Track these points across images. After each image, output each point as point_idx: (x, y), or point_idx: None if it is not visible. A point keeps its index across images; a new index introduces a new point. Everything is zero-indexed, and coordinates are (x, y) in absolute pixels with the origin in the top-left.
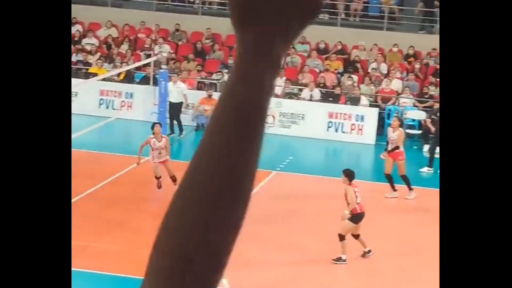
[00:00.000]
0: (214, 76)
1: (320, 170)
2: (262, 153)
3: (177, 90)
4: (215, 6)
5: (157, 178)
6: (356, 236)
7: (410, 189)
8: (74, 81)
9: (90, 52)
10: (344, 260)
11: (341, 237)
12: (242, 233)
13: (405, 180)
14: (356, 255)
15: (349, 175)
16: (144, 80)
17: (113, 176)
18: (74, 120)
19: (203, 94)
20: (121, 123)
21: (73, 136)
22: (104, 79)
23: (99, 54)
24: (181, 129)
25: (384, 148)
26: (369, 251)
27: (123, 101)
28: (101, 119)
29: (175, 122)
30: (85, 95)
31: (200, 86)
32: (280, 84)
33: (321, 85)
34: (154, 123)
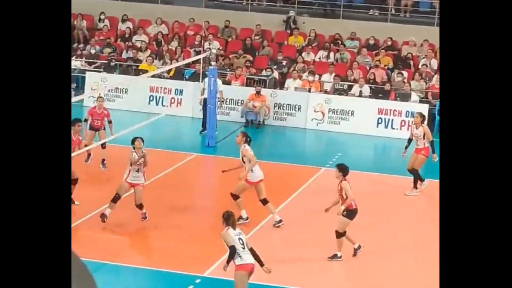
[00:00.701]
0: (264, 73)
1: (370, 166)
2: (312, 149)
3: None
4: (265, 3)
5: (116, 197)
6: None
7: (415, 187)
8: (124, 78)
9: (140, 49)
10: (340, 257)
11: (339, 234)
12: (291, 227)
13: (416, 175)
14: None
15: (343, 170)
16: (194, 77)
17: (161, 173)
18: (124, 116)
19: (252, 90)
20: (171, 120)
21: (123, 132)
22: (154, 76)
23: (149, 51)
24: (204, 126)
25: (405, 146)
26: (359, 247)
27: (172, 97)
28: (151, 115)
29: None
30: (135, 92)
31: (249, 83)
32: (329, 80)
33: (371, 81)
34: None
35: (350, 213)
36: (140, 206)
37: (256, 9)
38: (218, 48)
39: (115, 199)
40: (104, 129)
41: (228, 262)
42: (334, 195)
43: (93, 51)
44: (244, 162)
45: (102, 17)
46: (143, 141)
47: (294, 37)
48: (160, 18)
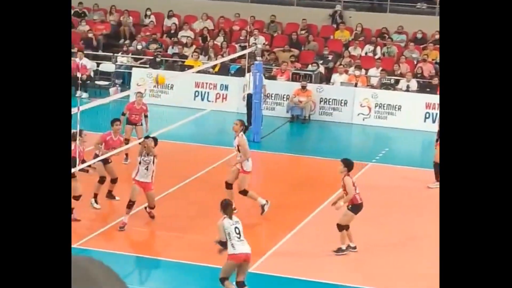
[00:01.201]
0: (309, 67)
1: (417, 161)
2: (358, 144)
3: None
4: None
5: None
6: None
7: (437, 179)
8: (170, 73)
9: (185, 45)
10: (344, 251)
11: (341, 227)
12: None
13: (436, 168)
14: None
15: (348, 164)
16: (239, 72)
17: (206, 168)
18: (169, 112)
19: (297, 85)
20: (216, 115)
21: (168, 128)
22: (199, 71)
23: (194, 46)
24: (249, 121)
25: (435, 139)
26: (354, 247)
27: (218, 93)
28: (196, 111)
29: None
30: (180, 88)
31: (294, 78)
32: (376, 74)
33: (418, 75)
34: (147, 136)
35: (355, 207)
36: (152, 207)
37: (302, 4)
38: (264, 43)
39: (130, 205)
40: (141, 124)
41: (220, 251)
42: (380, 190)
43: (139, 47)
44: (239, 151)
45: (148, 13)
46: (156, 142)
47: (340, 32)
48: (205, 13)
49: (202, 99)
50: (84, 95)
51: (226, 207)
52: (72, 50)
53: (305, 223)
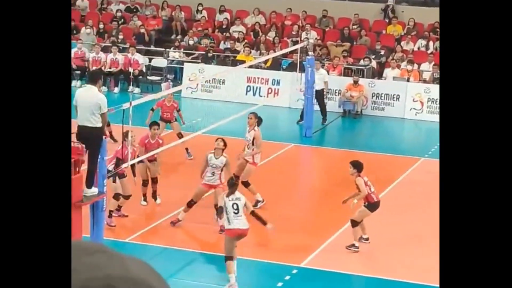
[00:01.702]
0: (361, 62)
1: None
2: (410, 139)
3: (319, 77)
4: None
5: (191, 203)
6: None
7: None
8: (221, 68)
9: (237, 40)
10: (357, 247)
11: (354, 223)
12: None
13: None
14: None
15: (357, 166)
16: (291, 67)
17: (259, 162)
18: (221, 107)
19: (349, 80)
20: (268, 110)
21: (220, 123)
22: (251, 67)
23: (246, 41)
24: (325, 116)
25: None
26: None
27: (270, 88)
28: (248, 106)
29: (317, 108)
30: (232, 83)
31: (346, 72)
32: (428, 69)
33: None
34: (218, 138)
35: (371, 205)
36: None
37: None
38: (316, 38)
39: (190, 204)
40: (176, 120)
41: (217, 217)
42: (432, 185)
43: (191, 42)
44: (253, 144)
45: (200, 8)
46: (225, 144)
47: (392, 26)
48: (257, 8)
49: (254, 94)
50: (136, 90)
51: (232, 186)
52: (124, 46)
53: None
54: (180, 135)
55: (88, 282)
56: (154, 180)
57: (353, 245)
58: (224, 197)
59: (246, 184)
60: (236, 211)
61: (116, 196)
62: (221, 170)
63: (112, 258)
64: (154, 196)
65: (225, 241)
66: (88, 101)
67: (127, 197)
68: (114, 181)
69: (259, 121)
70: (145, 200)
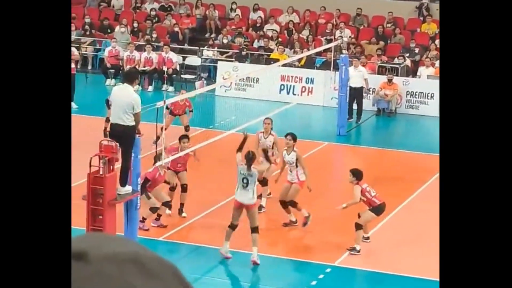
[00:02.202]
0: (396, 60)
1: None
2: None
3: (358, 75)
4: None
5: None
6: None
7: None
8: (255, 67)
9: (271, 38)
10: (358, 251)
11: (358, 226)
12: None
13: None
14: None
15: (357, 174)
16: (325, 65)
17: None
18: (255, 105)
19: (384, 78)
20: (302, 108)
21: (253, 122)
22: (285, 65)
23: (280, 39)
24: (359, 115)
25: None
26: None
27: (303, 86)
28: (282, 104)
29: (354, 106)
30: (266, 81)
31: (381, 71)
32: None
33: None
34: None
35: (375, 209)
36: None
37: None
38: (350, 36)
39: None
40: (185, 113)
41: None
42: None
43: (225, 41)
44: (272, 149)
45: (234, 6)
46: (266, 155)
47: (427, 24)
48: (291, 7)
49: (288, 93)
50: (170, 88)
51: (248, 160)
52: (158, 44)
53: (390, 217)
54: (187, 128)
55: (114, 255)
56: (184, 188)
57: (353, 248)
58: (240, 168)
59: (264, 182)
60: (245, 184)
61: (154, 210)
62: (296, 166)
63: (137, 244)
64: (181, 209)
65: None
66: (122, 100)
67: (166, 204)
68: (149, 198)
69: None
70: (169, 208)
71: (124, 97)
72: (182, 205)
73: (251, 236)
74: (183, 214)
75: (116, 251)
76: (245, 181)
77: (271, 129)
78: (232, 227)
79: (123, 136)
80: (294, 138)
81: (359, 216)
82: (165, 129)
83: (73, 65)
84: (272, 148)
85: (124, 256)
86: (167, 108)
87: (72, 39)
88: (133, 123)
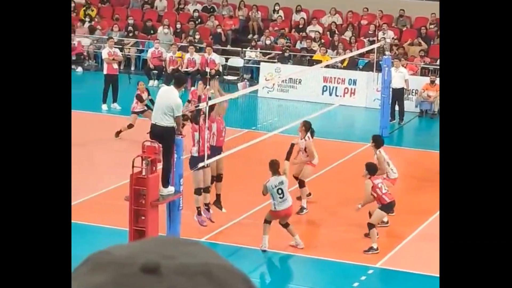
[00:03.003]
0: (439, 62)
1: None
2: None
3: (399, 75)
4: None
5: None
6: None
7: None
8: (298, 68)
9: (314, 39)
10: (376, 249)
11: (370, 226)
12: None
13: None
14: None
15: (370, 168)
16: (368, 67)
17: (334, 163)
18: (298, 106)
19: (426, 80)
20: (344, 110)
21: (296, 123)
22: (327, 66)
23: (322, 41)
24: (402, 116)
25: None
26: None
27: (346, 87)
28: (324, 105)
29: (396, 108)
30: (309, 82)
31: (423, 72)
32: None
33: None
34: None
35: (385, 207)
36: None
37: None
38: (392, 38)
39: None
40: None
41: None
42: None
43: (267, 42)
44: (305, 152)
45: (277, 8)
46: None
47: None
48: (334, 8)
49: (330, 94)
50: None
51: (272, 166)
52: (201, 46)
53: (433, 219)
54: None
55: (185, 267)
56: (219, 177)
57: (371, 248)
58: (268, 185)
59: (302, 184)
60: (281, 195)
61: (198, 192)
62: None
63: (205, 249)
64: (218, 201)
65: (268, 214)
66: (164, 102)
67: (207, 190)
68: (204, 167)
69: (310, 129)
70: (208, 209)
71: (167, 99)
72: (218, 196)
73: (287, 230)
74: (223, 210)
75: (187, 262)
76: (279, 191)
77: (305, 131)
78: (269, 222)
79: (163, 137)
80: (307, 124)
81: (370, 215)
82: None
83: (115, 66)
84: (305, 151)
85: (195, 268)
86: (188, 101)
87: (116, 40)
88: (173, 125)
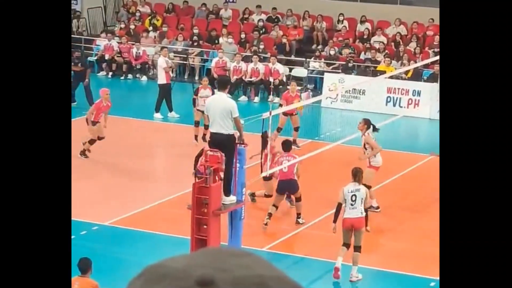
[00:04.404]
0: None
1: None
2: None
3: None
4: None
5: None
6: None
7: None
8: (362, 78)
9: (378, 50)
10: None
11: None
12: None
13: None
14: None
15: (368, 122)
16: (432, 78)
17: (398, 174)
18: (361, 117)
19: None
20: (408, 121)
21: (359, 133)
22: (391, 77)
23: (387, 51)
24: None
25: None
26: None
27: (410, 98)
28: (388, 116)
29: None
30: (372, 93)
31: None
32: None
33: None
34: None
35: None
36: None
37: None
38: None
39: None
40: (296, 113)
41: (334, 220)
42: None
43: (331, 52)
44: (366, 149)
45: (341, 18)
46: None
47: None
48: (399, 19)
49: (394, 105)
50: (276, 99)
51: (355, 175)
52: (265, 55)
53: None
54: (297, 129)
55: (240, 280)
56: (298, 198)
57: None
58: (345, 189)
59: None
60: (353, 202)
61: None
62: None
63: (259, 260)
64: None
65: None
66: (218, 107)
67: (269, 196)
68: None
69: (369, 126)
70: (269, 218)
71: (220, 104)
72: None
73: (353, 254)
74: (301, 220)
75: (242, 275)
76: (353, 198)
77: (366, 128)
78: (346, 246)
79: (224, 145)
80: (367, 121)
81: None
82: (281, 129)
83: (171, 74)
84: (365, 148)
85: (250, 280)
86: (280, 105)
87: (180, 50)
88: (233, 131)
